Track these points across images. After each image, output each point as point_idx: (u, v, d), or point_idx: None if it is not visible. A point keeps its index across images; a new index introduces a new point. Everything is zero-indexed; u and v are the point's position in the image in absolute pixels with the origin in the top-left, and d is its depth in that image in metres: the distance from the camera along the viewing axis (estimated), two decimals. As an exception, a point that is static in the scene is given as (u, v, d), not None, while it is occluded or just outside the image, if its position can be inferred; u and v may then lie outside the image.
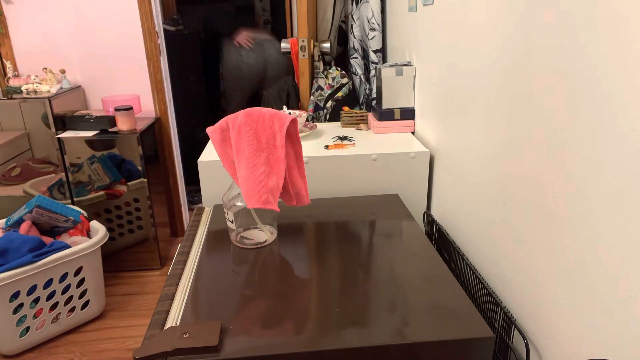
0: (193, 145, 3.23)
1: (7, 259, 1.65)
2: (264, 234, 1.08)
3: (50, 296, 1.73)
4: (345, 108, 1.73)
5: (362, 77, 1.95)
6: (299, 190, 1.06)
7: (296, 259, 1.01)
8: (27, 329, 1.70)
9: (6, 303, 1.62)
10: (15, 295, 1.64)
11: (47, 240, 1.80)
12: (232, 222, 1.06)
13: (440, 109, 1.31)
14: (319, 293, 0.89)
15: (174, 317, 0.84)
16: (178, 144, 2.56)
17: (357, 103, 1.97)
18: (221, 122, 1.04)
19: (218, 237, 1.11)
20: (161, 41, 2.33)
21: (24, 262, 1.64)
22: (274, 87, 2.04)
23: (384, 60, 1.86)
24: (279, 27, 4.06)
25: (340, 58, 2.26)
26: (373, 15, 1.78)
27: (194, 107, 3.20)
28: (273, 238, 1.09)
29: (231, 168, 1.03)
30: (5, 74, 2.24)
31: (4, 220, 1.92)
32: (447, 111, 1.26)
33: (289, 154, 1.04)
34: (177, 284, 0.94)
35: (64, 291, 1.77)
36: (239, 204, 1.05)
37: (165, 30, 2.87)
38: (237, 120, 1.01)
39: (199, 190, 3.10)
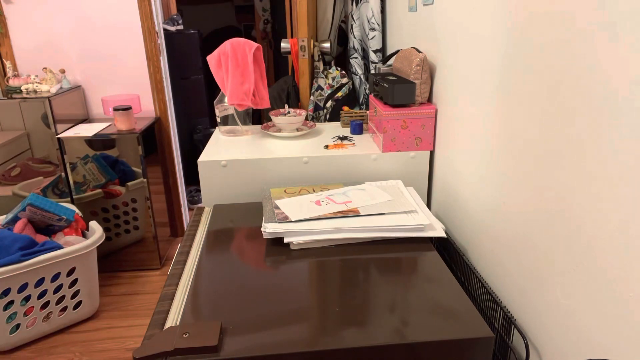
0: (193, 145, 3.23)
1: (-1, 257, 1.65)
2: (241, 129, 1.59)
3: (41, 295, 1.73)
4: (345, 108, 1.73)
5: (362, 77, 1.95)
6: (262, 96, 1.56)
7: (295, 259, 1.01)
8: (18, 326, 1.70)
9: None
10: (6, 292, 1.64)
11: (41, 239, 1.80)
12: (220, 122, 1.59)
13: (440, 108, 1.31)
14: (319, 293, 0.89)
15: (174, 317, 0.84)
16: (178, 144, 2.56)
17: (357, 103, 1.97)
18: (217, 51, 1.52)
19: (218, 237, 1.11)
20: (161, 41, 2.33)
21: (12, 261, 1.63)
22: (274, 87, 2.04)
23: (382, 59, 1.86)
24: (279, 27, 4.06)
25: (340, 58, 2.25)
26: (373, 15, 1.78)
27: (194, 107, 3.20)
28: (249, 133, 1.59)
29: (222, 84, 1.54)
30: (5, 74, 2.24)
31: (4, 217, 1.91)
32: (447, 111, 1.26)
33: (256, 71, 1.54)
34: (177, 284, 0.94)
35: (56, 291, 1.76)
36: (230, 111, 1.57)
37: (164, 30, 2.87)
38: (226, 48, 1.52)
39: (198, 190, 3.10)
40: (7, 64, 2.17)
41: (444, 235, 1.06)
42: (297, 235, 1.05)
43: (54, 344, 1.77)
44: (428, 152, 1.38)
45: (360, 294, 0.88)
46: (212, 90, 4.93)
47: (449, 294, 0.88)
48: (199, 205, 1.28)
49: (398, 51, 1.50)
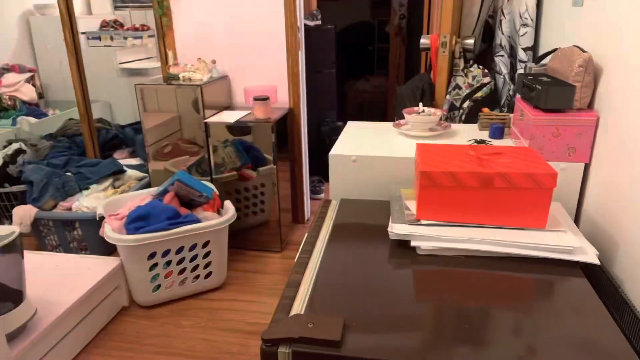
0: (319, 138, 3.33)
1: (149, 223, 1.87)
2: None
3: (180, 261, 1.92)
4: (485, 109, 1.61)
5: (506, 76, 1.80)
6: None
7: (421, 264, 0.96)
8: (159, 286, 1.92)
9: (144, 261, 1.84)
10: (152, 255, 1.85)
11: (184, 211, 2.00)
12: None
13: (604, 117, 1.14)
14: (441, 304, 0.83)
15: (299, 305, 0.86)
16: (307, 135, 2.65)
17: (498, 105, 1.83)
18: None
19: (343, 231, 1.11)
20: (301, 35, 2.42)
21: (160, 228, 1.83)
22: (409, 84, 1.99)
23: (535, 59, 1.69)
24: (416, 23, 3.96)
25: (483, 56, 2.11)
26: (527, 9, 1.63)
27: (323, 100, 3.29)
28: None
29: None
30: (167, 62, 2.53)
31: (156, 188, 2.17)
32: (613, 120, 1.10)
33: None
34: (303, 273, 0.96)
35: (192, 259, 1.94)
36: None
37: (304, 25, 2.98)
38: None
39: (321, 181, 3.19)
40: (170, 53, 2.45)
41: (597, 261, 0.93)
42: (426, 240, 1.00)
43: (186, 306, 1.96)
44: (582, 165, 1.22)
45: (485, 312, 0.81)
46: (342, 83, 5.04)
47: (598, 328, 0.76)
48: (323, 196, 1.32)
49: (555, 49, 1.34)
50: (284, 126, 2.39)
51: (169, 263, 1.91)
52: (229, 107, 2.52)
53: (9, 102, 3.20)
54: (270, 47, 2.41)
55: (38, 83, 3.56)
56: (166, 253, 1.88)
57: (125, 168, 2.61)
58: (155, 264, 1.88)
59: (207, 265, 2.01)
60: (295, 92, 2.44)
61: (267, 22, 2.37)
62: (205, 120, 2.25)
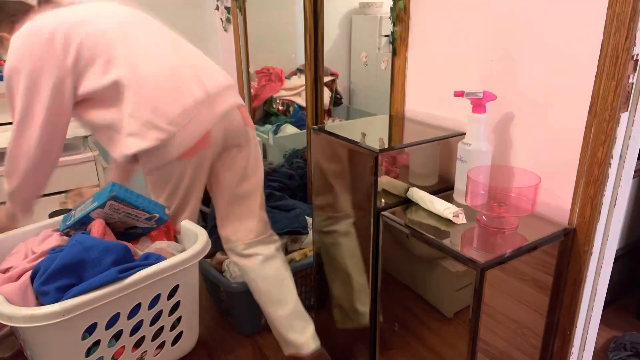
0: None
1: (82, 277, 1.10)
2: None
3: (135, 329, 1.18)
4: None
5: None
6: None
7: None
8: None
9: (77, 342, 1.07)
10: (90, 329, 1.09)
11: (131, 246, 1.26)
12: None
13: None
14: None
15: None
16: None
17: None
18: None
19: None
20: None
21: (107, 279, 1.09)
22: None
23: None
24: None
25: None
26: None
27: None
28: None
29: None
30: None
31: (61, 218, 1.35)
32: None
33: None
34: None
35: (153, 321, 1.23)
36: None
37: None
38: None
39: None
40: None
41: None
42: None
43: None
44: None
45: None
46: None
47: None
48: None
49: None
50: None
51: (118, 336, 1.15)
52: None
53: (281, 107, 2.83)
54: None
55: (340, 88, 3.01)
56: (113, 322, 1.12)
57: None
58: (97, 343, 1.11)
59: (175, 325, 1.29)
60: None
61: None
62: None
